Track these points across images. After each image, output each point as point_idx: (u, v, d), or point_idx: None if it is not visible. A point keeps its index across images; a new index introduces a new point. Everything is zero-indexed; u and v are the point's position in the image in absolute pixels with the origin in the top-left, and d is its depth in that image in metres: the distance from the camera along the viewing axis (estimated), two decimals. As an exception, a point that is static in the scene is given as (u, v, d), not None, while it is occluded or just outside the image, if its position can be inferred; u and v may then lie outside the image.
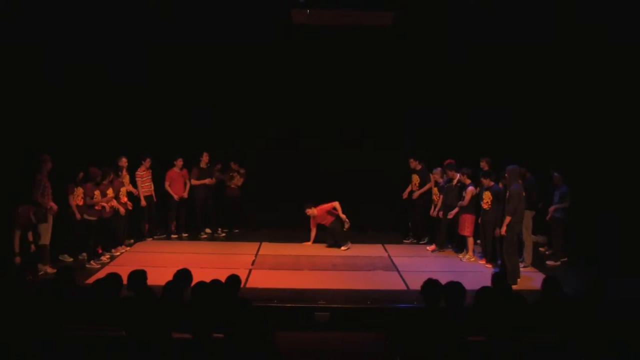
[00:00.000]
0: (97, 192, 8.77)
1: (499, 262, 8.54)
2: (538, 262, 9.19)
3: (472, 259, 9.33)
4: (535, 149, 10.26)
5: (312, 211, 10.22)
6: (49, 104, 9.31)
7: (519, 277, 8.10)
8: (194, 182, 10.78)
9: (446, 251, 9.96)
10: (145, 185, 10.33)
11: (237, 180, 11.12)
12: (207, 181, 10.83)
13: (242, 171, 11.15)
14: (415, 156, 10.56)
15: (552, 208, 9.29)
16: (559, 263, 9.23)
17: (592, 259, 9.03)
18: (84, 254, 8.85)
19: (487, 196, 8.78)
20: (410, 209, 10.77)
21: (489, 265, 8.91)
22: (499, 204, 8.46)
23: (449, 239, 10.09)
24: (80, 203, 8.72)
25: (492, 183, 8.75)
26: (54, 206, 8.28)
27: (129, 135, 10.35)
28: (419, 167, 10.56)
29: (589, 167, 9.52)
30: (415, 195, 10.51)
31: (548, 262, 9.36)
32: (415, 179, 10.56)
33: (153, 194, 10.54)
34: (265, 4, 9.24)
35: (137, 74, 10.34)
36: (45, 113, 9.20)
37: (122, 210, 9.40)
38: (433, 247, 10.14)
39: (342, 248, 10.07)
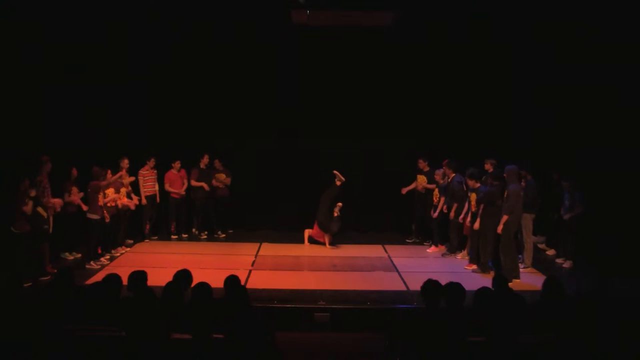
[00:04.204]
0: (100, 192, 8.77)
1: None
2: (538, 263, 9.19)
3: (467, 258, 9.34)
4: (536, 150, 10.26)
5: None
6: (49, 104, 9.32)
7: (516, 277, 8.11)
8: (194, 183, 10.80)
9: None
10: (148, 185, 10.35)
11: (225, 179, 11.06)
12: (206, 185, 10.88)
13: (220, 169, 11.10)
14: (424, 157, 10.55)
15: (567, 216, 9.18)
16: (568, 264, 9.23)
17: (592, 259, 9.03)
18: (79, 254, 8.90)
19: (472, 198, 8.85)
20: (414, 208, 10.77)
21: (472, 266, 8.93)
22: (487, 206, 8.48)
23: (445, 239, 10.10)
24: (76, 202, 8.76)
25: (478, 184, 8.75)
26: (58, 201, 8.34)
27: (130, 135, 10.38)
28: (427, 168, 10.54)
29: (588, 167, 9.51)
30: (420, 188, 10.50)
31: (558, 260, 9.42)
32: (422, 179, 10.55)
33: (157, 194, 10.56)
34: (265, 4, 9.24)
35: (137, 73, 10.40)
36: (44, 113, 9.20)
37: (130, 203, 9.56)
38: (433, 249, 10.14)
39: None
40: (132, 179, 9.82)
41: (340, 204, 10.31)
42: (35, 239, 7.90)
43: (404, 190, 10.69)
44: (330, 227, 10.26)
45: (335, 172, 10.34)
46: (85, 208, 8.75)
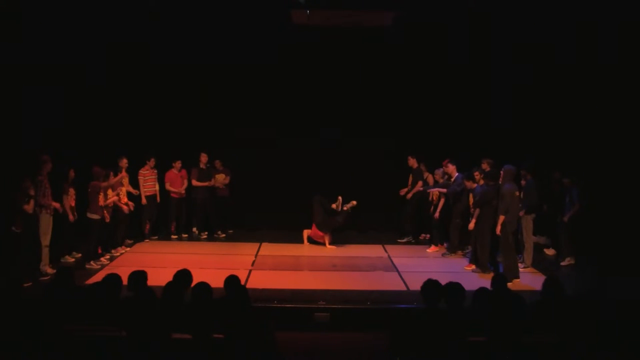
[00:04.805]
0: (101, 192, 8.76)
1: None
2: (538, 263, 9.18)
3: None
4: (537, 150, 10.25)
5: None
6: (48, 103, 9.31)
7: (516, 277, 8.10)
8: (195, 183, 10.80)
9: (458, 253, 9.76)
10: (148, 185, 10.36)
11: (224, 179, 11.05)
12: (208, 183, 10.87)
13: (221, 169, 11.08)
14: (413, 154, 10.56)
15: (567, 216, 9.18)
16: (568, 263, 9.21)
17: (592, 259, 9.02)
18: (79, 254, 8.88)
19: (471, 199, 8.85)
20: (402, 208, 10.81)
21: (471, 267, 8.92)
22: (483, 207, 8.48)
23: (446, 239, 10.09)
24: (73, 204, 8.74)
25: (474, 185, 8.75)
26: (57, 205, 8.32)
27: (130, 135, 10.37)
28: (415, 166, 10.58)
29: (588, 167, 9.50)
30: (408, 195, 10.60)
31: (561, 263, 9.37)
32: (411, 177, 10.59)
33: (157, 194, 10.55)
34: (265, 4, 9.25)
35: (136, 74, 10.41)
36: (44, 112, 9.20)
37: (125, 208, 9.39)
38: (433, 248, 10.14)
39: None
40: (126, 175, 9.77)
41: (354, 202, 10.28)
42: (35, 238, 7.88)
43: (401, 192, 10.68)
44: (331, 225, 10.25)
45: (341, 201, 10.32)
46: (72, 219, 8.70)
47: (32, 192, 7.74)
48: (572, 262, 9.19)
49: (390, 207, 11.33)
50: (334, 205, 10.29)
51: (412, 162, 10.64)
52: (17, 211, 7.61)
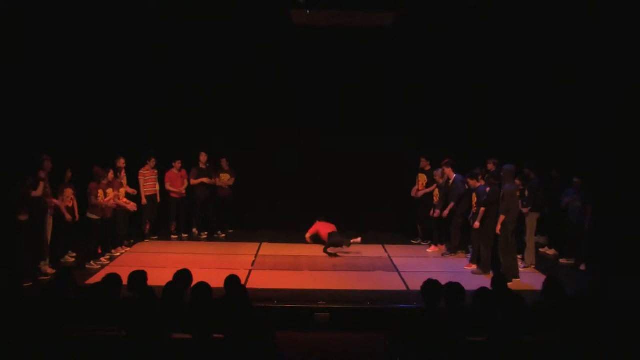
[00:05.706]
0: (100, 192, 8.77)
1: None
2: (538, 263, 9.18)
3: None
4: (538, 149, 10.25)
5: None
6: (48, 103, 9.31)
7: (516, 277, 8.11)
8: (193, 181, 10.79)
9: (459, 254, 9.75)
10: (148, 185, 10.36)
11: (229, 180, 11.02)
12: (205, 180, 10.83)
13: (226, 169, 11.02)
14: (427, 156, 10.54)
15: (587, 223, 9.00)
16: (573, 262, 9.20)
17: (592, 259, 9.02)
18: (74, 254, 8.87)
19: (474, 198, 8.86)
20: (417, 209, 10.72)
21: (472, 266, 8.92)
22: (488, 207, 8.46)
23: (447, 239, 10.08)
24: (70, 204, 8.74)
25: (478, 184, 8.75)
26: (58, 202, 8.37)
27: (130, 135, 10.37)
28: (428, 167, 10.53)
29: (588, 167, 9.50)
30: (420, 193, 10.48)
31: (561, 260, 9.43)
32: (423, 178, 10.55)
33: (157, 194, 10.55)
34: (265, 4, 9.25)
35: (135, 73, 10.41)
36: (44, 112, 9.20)
37: (131, 206, 9.46)
38: (433, 248, 10.14)
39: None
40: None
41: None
42: (42, 227, 7.91)
43: (414, 193, 10.55)
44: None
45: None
46: (71, 218, 8.72)
47: (42, 174, 7.82)
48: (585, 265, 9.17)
49: (390, 207, 11.33)
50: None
51: (425, 164, 10.56)
52: (24, 198, 7.61)
